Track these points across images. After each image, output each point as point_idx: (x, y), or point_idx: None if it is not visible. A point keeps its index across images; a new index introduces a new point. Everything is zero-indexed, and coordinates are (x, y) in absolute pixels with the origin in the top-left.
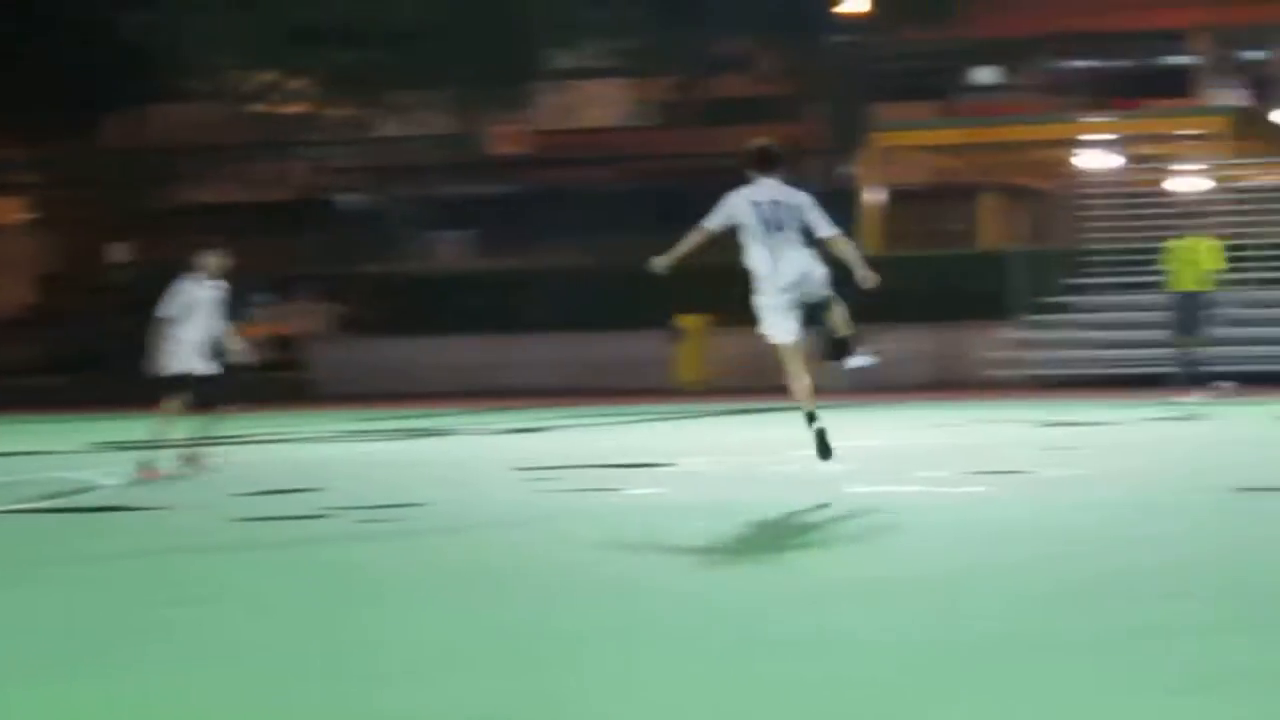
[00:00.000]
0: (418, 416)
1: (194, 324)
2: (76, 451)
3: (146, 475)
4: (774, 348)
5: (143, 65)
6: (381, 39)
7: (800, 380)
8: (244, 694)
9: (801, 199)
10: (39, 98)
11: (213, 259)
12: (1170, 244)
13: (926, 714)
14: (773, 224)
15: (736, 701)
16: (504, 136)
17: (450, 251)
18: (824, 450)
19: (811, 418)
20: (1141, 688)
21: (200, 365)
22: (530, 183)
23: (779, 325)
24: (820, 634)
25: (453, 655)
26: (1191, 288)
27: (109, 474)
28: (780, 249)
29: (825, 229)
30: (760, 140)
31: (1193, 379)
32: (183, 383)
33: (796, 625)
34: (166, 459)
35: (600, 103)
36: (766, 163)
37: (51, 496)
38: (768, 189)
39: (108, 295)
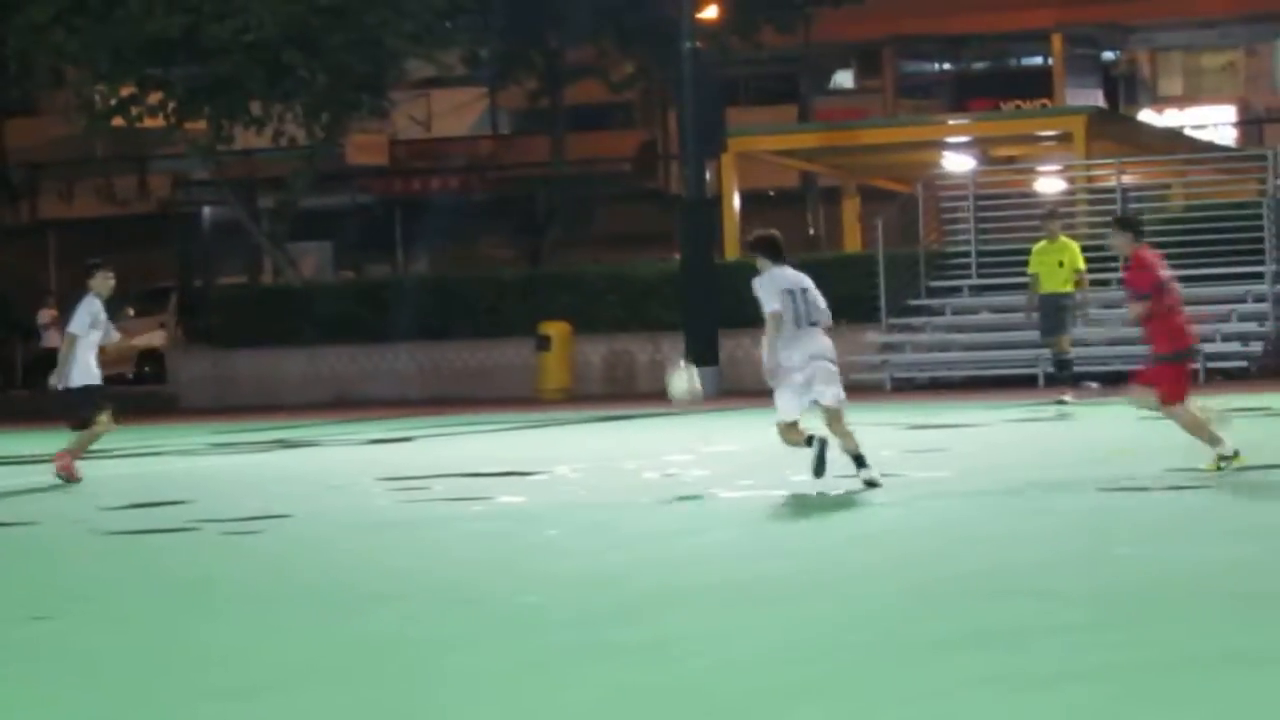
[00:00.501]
0: (282, 428)
1: (94, 339)
2: None
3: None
4: (778, 424)
5: None
6: (238, 50)
7: (799, 447)
8: (95, 709)
9: (810, 283)
10: None
11: (107, 278)
12: (1035, 246)
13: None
14: (803, 316)
15: (572, 709)
16: (361, 147)
17: (310, 262)
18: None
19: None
20: (996, 684)
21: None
22: (388, 193)
23: (791, 405)
24: (657, 640)
25: (308, 667)
26: (1054, 289)
27: None
28: (804, 337)
29: (828, 317)
30: (766, 231)
31: (1077, 378)
32: (102, 394)
33: (636, 631)
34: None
35: (455, 112)
36: (780, 252)
37: None
38: (793, 277)
39: None
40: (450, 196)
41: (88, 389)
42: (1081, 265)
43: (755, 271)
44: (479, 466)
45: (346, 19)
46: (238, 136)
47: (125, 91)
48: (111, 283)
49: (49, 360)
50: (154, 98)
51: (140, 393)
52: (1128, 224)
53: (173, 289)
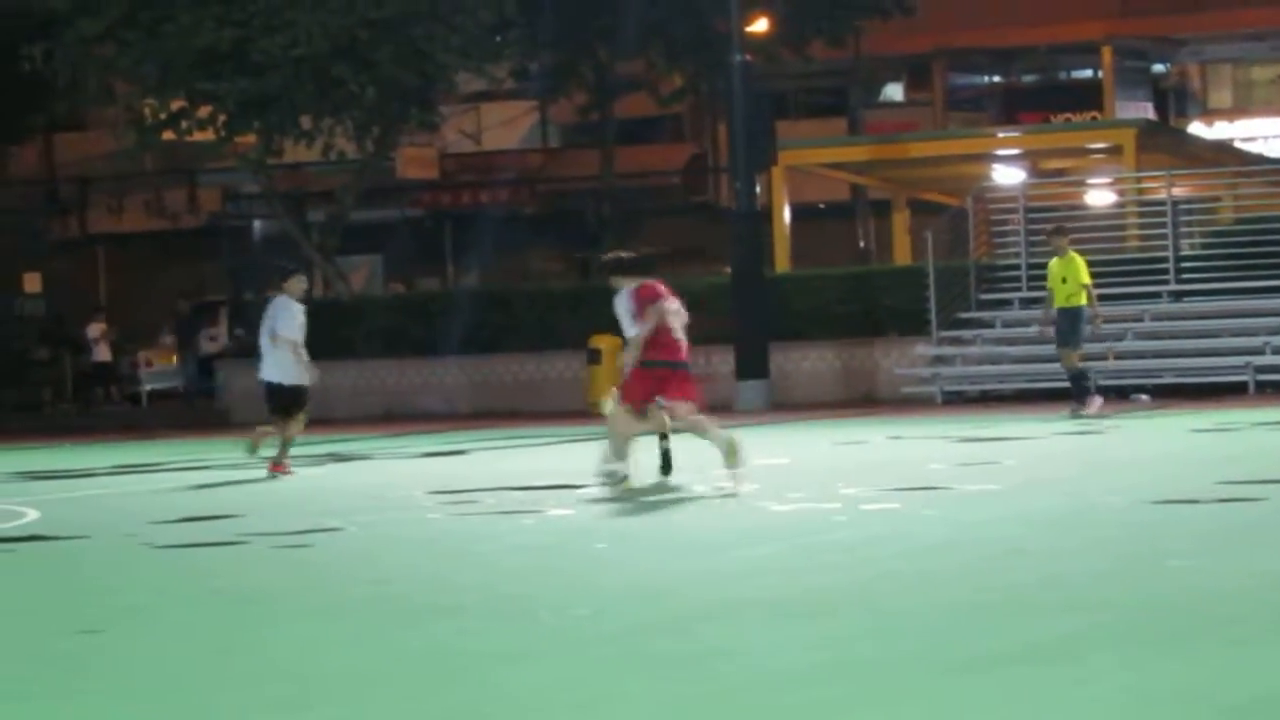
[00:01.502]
0: (333, 441)
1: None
2: None
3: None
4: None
5: (45, 95)
6: (287, 64)
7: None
8: None
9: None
10: None
11: (301, 282)
12: (1050, 262)
13: None
14: None
15: None
16: (411, 160)
17: (360, 275)
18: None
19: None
20: (1047, 698)
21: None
22: (438, 206)
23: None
24: (703, 653)
25: (360, 680)
26: (1061, 304)
27: (27, 503)
28: None
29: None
30: (621, 253)
31: (1083, 392)
32: (305, 396)
33: (683, 644)
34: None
35: (506, 125)
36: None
37: None
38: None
39: (19, 325)
40: (500, 210)
41: (298, 389)
42: (1086, 279)
43: (806, 284)
44: (530, 480)
45: (394, 32)
46: (287, 150)
47: (175, 105)
48: (304, 286)
49: (98, 374)
50: (203, 112)
51: (192, 405)
52: (626, 264)
53: (222, 303)
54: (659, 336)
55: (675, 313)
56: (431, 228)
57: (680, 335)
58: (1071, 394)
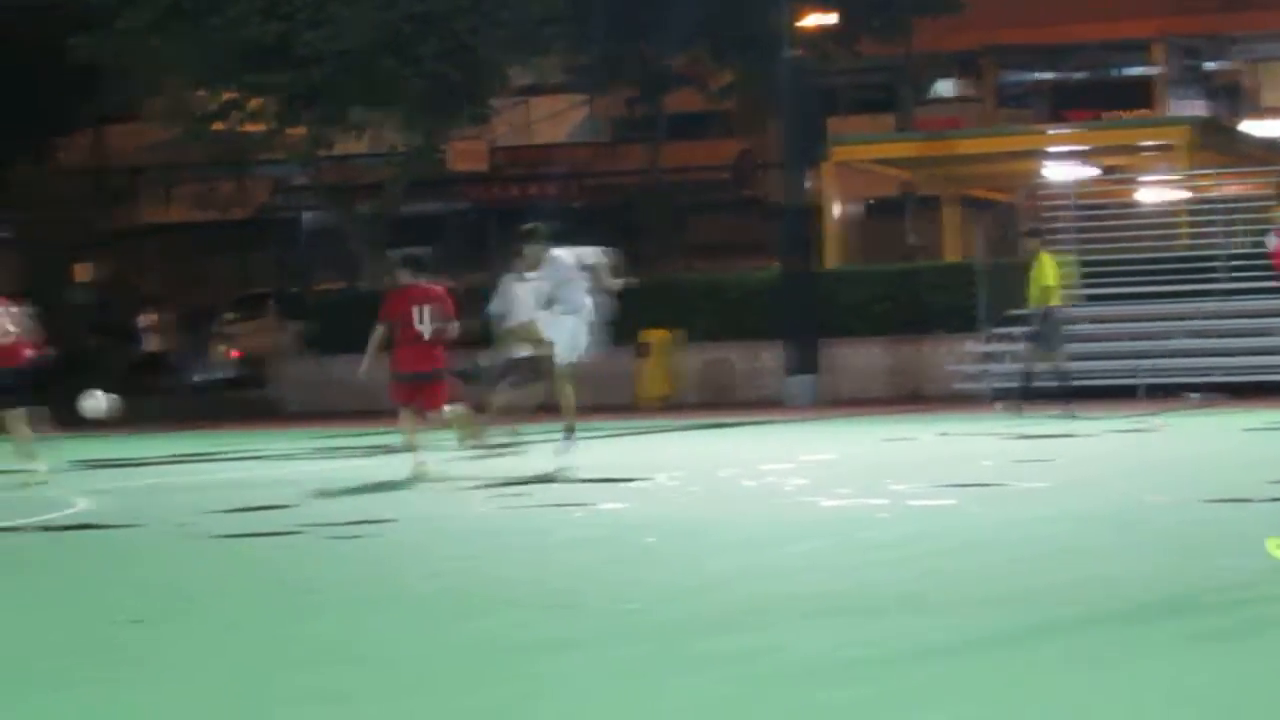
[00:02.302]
0: (383, 434)
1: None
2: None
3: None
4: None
5: (96, 86)
6: (331, 58)
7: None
8: (196, 712)
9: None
10: None
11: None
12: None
13: None
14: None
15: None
16: (461, 153)
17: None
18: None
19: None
20: (1094, 699)
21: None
22: (487, 199)
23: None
24: (750, 650)
25: (411, 672)
26: (1037, 304)
27: (82, 492)
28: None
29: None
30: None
31: (1025, 394)
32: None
33: (731, 640)
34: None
35: (555, 119)
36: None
37: (23, 515)
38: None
39: (70, 315)
40: (549, 203)
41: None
42: (1048, 281)
43: (854, 280)
44: (579, 473)
45: (438, 26)
46: (336, 142)
47: (226, 97)
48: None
49: (148, 364)
50: (254, 104)
51: (241, 397)
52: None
53: (271, 294)
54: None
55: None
56: (480, 221)
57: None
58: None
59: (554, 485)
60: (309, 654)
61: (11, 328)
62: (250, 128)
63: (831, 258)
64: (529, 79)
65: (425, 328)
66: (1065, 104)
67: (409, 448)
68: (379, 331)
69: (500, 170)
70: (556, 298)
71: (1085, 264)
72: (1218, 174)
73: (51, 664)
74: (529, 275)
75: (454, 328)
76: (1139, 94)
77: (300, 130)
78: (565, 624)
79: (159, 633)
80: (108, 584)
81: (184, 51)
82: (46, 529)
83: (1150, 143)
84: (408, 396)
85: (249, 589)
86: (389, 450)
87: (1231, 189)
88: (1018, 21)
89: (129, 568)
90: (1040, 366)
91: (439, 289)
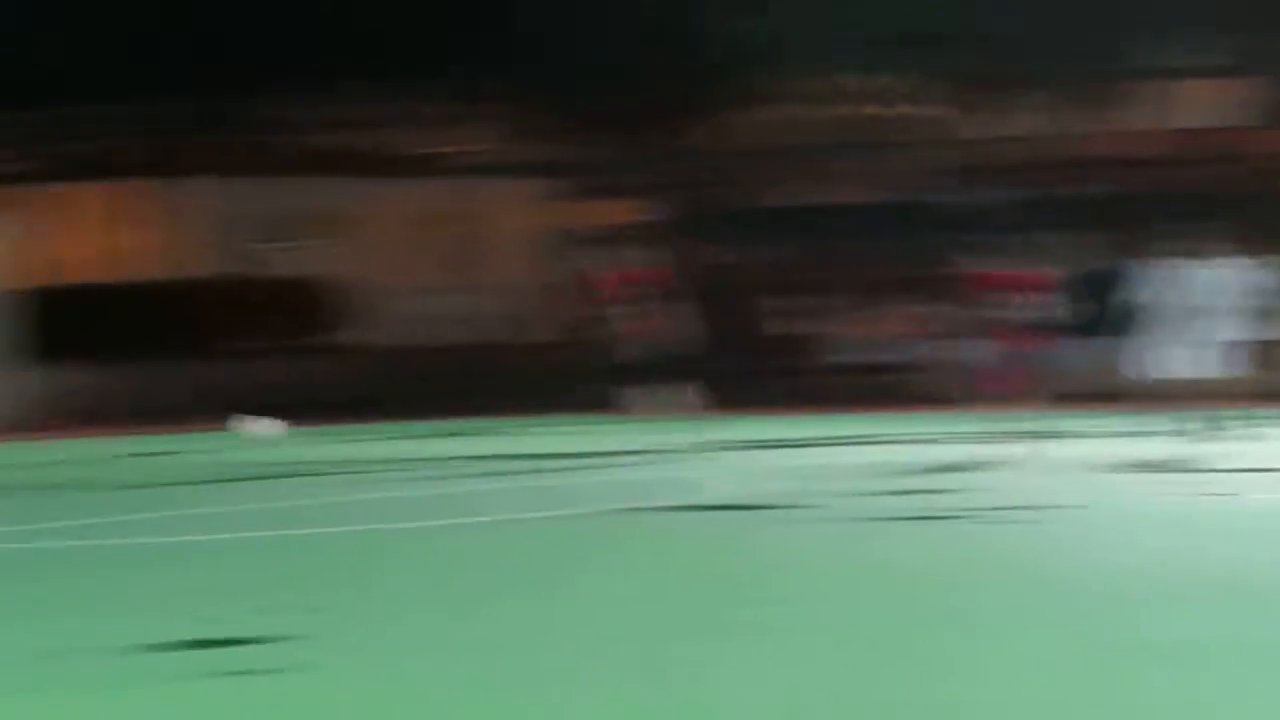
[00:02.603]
0: (1020, 419)
1: None
2: (679, 451)
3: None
4: None
5: (735, 70)
6: (971, 40)
7: None
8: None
9: None
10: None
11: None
12: None
13: None
14: None
15: None
16: (1096, 137)
17: (1054, 253)
18: None
19: None
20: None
21: None
22: (1125, 184)
23: None
24: None
25: (1042, 667)
26: None
27: (714, 473)
28: None
29: None
30: None
31: None
32: None
33: None
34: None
35: (1196, 102)
36: None
37: (659, 495)
38: None
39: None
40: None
41: None
42: None
43: None
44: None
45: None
46: (966, 125)
47: (870, 80)
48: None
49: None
50: (891, 85)
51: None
52: None
53: (910, 279)
54: None
55: None
56: (1121, 205)
57: None
58: None
59: (1205, 475)
60: (927, 667)
61: None
62: (884, 111)
63: None
64: (1167, 61)
65: None
66: None
67: None
68: None
69: (1137, 153)
70: None
71: None
72: None
73: (659, 645)
74: None
75: None
76: None
77: (930, 113)
78: (1232, 620)
79: (788, 614)
80: (729, 564)
81: (839, 33)
82: (681, 508)
83: None
84: None
85: (865, 579)
86: (1037, 435)
87: None
88: None
89: (754, 550)
90: None
91: None
